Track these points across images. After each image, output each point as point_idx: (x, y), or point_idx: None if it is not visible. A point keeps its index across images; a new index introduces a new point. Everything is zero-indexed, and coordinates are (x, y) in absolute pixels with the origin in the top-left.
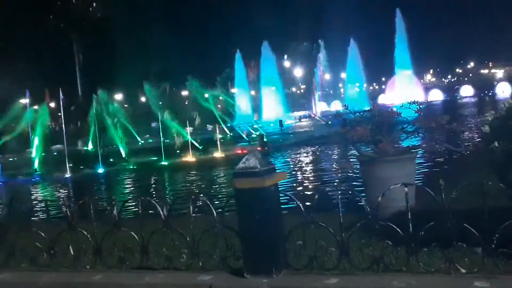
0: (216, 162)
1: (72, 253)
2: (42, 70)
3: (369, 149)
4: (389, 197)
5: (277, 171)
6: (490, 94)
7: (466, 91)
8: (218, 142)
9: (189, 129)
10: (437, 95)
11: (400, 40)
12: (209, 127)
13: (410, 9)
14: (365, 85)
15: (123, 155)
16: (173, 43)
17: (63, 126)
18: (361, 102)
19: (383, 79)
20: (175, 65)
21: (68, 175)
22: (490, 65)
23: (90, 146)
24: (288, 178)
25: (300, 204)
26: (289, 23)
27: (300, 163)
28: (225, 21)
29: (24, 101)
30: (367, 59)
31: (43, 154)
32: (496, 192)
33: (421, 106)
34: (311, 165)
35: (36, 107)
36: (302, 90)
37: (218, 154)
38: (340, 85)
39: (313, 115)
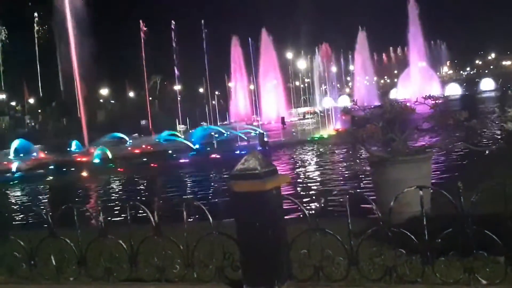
0: None
1: (54, 264)
2: (20, 63)
3: (376, 148)
4: (403, 201)
5: (279, 172)
6: None
7: (487, 84)
8: None
9: (181, 128)
10: (455, 89)
11: (414, 30)
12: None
13: None
14: (375, 78)
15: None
16: (163, 33)
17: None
18: (371, 97)
19: (395, 72)
20: (166, 57)
21: (49, 178)
22: None
23: (73, 147)
24: (292, 180)
25: (305, 209)
26: (292, 12)
27: (304, 164)
28: (220, 8)
29: (1, 96)
30: (378, 50)
31: (21, 155)
32: None
33: (437, 101)
34: (316, 166)
35: (13, 103)
36: (306, 84)
37: None
38: (348, 78)
39: (318, 112)
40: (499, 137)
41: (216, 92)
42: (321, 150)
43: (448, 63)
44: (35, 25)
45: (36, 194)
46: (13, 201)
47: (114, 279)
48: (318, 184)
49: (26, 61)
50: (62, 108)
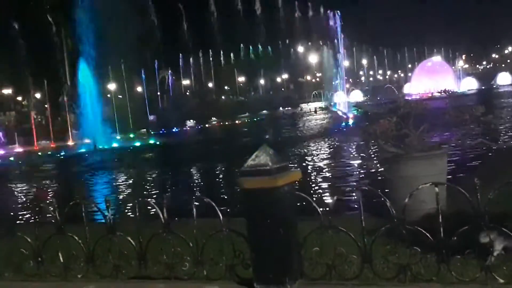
0: None
1: (62, 261)
2: (26, 57)
3: (389, 144)
4: (417, 198)
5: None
6: None
7: (504, 79)
8: None
9: (190, 122)
10: (471, 84)
11: (429, 22)
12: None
13: None
14: (389, 72)
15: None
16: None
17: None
18: (384, 92)
19: (409, 65)
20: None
21: (54, 171)
22: None
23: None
24: (303, 176)
25: (317, 206)
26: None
27: (316, 160)
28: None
29: (7, 91)
30: (392, 44)
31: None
32: None
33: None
34: (328, 162)
35: (19, 98)
36: (317, 79)
37: None
38: (361, 72)
39: (330, 107)
40: None
41: (226, 87)
42: (332, 145)
43: (463, 56)
44: (41, 19)
45: (40, 189)
46: (19, 196)
47: (123, 277)
48: (330, 180)
49: (32, 55)
50: (69, 103)
